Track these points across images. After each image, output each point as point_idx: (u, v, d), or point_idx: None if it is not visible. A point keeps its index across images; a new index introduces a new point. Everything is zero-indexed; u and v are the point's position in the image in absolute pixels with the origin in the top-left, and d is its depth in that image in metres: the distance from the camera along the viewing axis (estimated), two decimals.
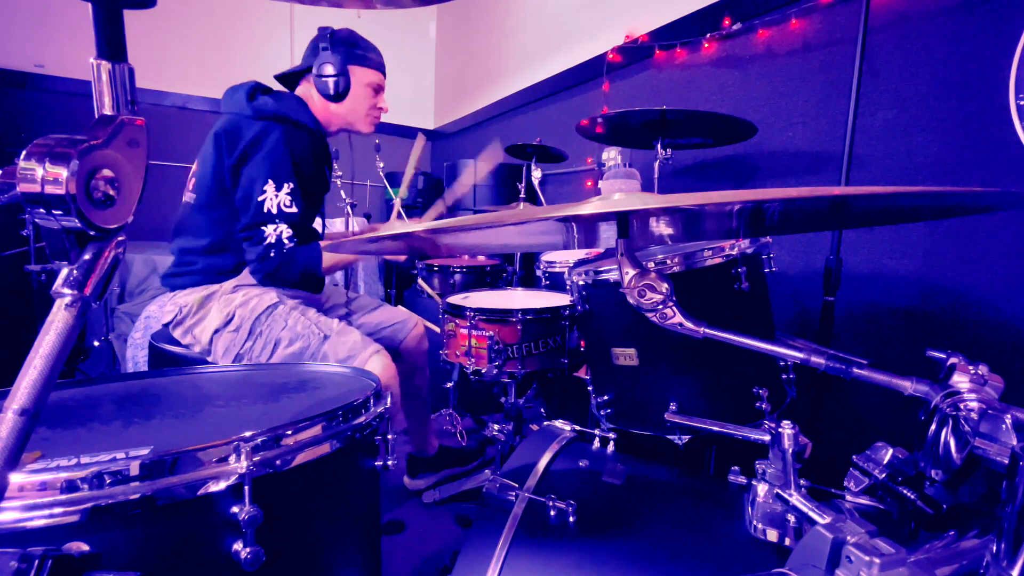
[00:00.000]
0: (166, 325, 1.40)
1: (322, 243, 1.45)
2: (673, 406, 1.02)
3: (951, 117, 1.43)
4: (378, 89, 1.58)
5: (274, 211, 1.37)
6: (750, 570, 0.59)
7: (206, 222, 1.42)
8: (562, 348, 1.51)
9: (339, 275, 2.93)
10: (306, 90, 1.54)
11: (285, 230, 1.38)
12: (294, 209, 1.39)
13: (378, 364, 1.33)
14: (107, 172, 0.41)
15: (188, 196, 1.46)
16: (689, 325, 0.66)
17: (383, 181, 3.09)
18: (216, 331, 1.34)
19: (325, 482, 0.72)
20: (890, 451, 0.58)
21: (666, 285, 0.65)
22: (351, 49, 1.51)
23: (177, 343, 1.39)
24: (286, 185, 1.38)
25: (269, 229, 1.37)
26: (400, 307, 1.80)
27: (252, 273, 1.41)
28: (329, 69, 1.49)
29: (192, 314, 1.37)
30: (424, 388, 1.74)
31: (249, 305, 1.36)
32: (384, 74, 1.59)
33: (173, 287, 1.43)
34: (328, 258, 1.44)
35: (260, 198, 1.36)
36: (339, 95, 1.51)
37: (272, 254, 1.38)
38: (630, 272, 0.66)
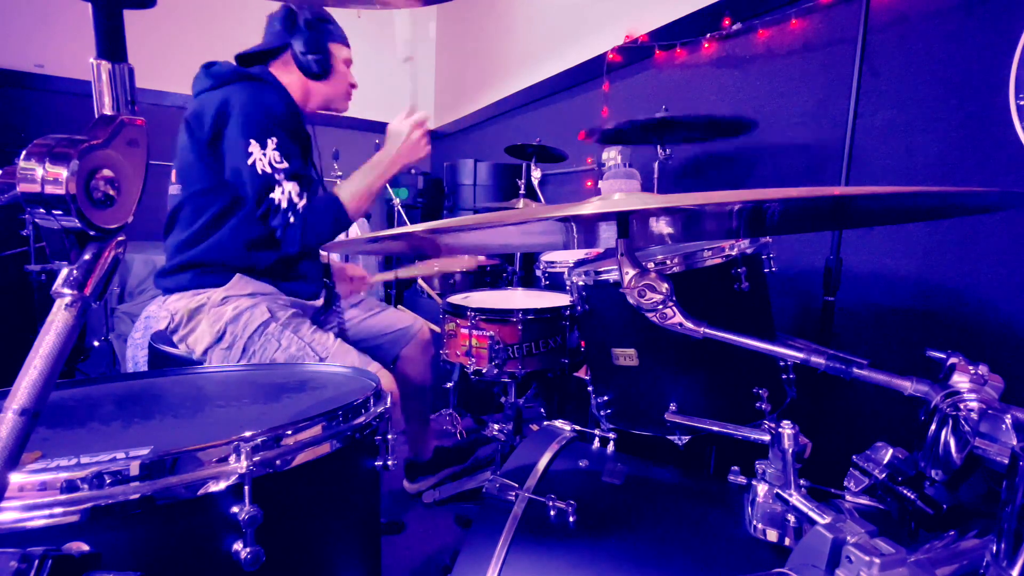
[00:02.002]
0: (162, 331, 1.39)
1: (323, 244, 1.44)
2: (673, 406, 1.02)
3: (951, 117, 1.43)
4: (349, 64, 1.56)
5: (268, 171, 1.30)
6: (750, 570, 0.59)
7: (192, 210, 1.39)
8: (562, 348, 1.51)
9: None
10: (279, 69, 1.48)
11: (292, 188, 1.32)
12: (286, 164, 1.31)
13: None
14: (107, 172, 0.41)
15: (173, 189, 1.44)
16: (689, 325, 0.66)
17: None
18: (209, 347, 1.32)
19: (325, 482, 0.72)
20: (890, 451, 0.58)
21: (666, 285, 0.65)
22: (327, 25, 1.48)
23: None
24: (270, 141, 1.30)
25: (276, 193, 1.31)
26: (404, 310, 1.79)
27: (287, 248, 1.36)
28: (311, 47, 1.45)
29: (183, 324, 1.34)
30: (425, 393, 1.72)
31: (240, 321, 1.32)
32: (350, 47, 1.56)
33: (165, 289, 1.40)
34: (355, 196, 1.39)
35: (249, 162, 1.29)
36: (324, 73, 1.48)
37: (292, 219, 1.31)
38: (630, 272, 0.66)
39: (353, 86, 1.59)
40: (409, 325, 1.67)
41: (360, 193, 1.42)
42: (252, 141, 1.29)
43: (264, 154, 1.30)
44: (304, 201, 1.33)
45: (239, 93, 1.32)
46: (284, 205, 1.31)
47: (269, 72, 1.46)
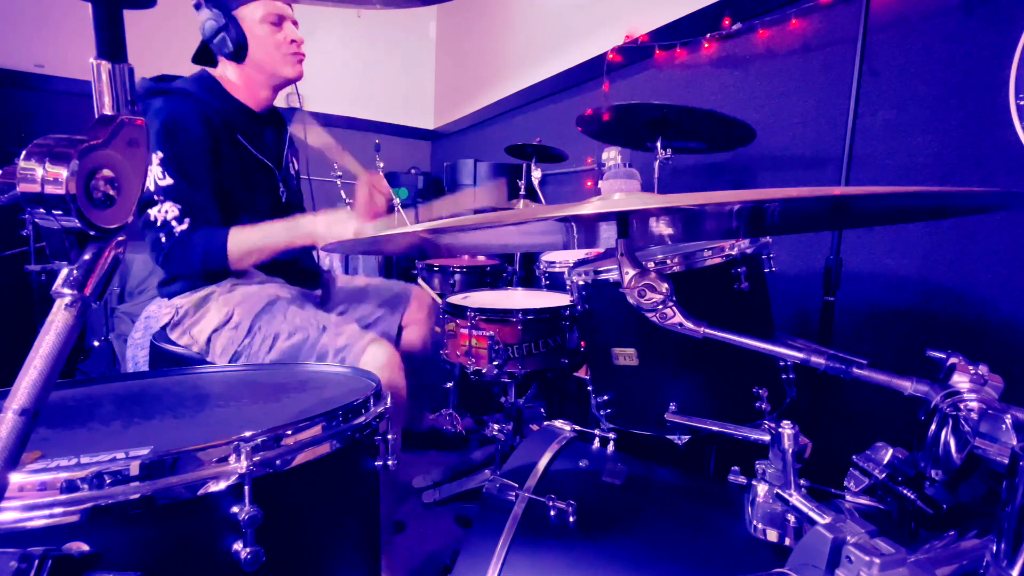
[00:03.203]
0: (163, 327, 1.40)
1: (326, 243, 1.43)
2: (673, 406, 1.02)
3: (951, 117, 1.43)
4: (279, 20, 1.36)
5: (151, 187, 1.23)
6: (750, 570, 0.59)
7: None
8: (562, 348, 1.51)
9: (338, 270, 2.92)
10: (223, 66, 1.40)
11: (170, 209, 1.24)
12: (168, 180, 1.23)
13: (377, 353, 1.28)
14: (107, 172, 0.41)
15: None
16: (689, 325, 0.66)
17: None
18: (215, 330, 1.33)
19: (325, 482, 0.72)
20: (890, 451, 0.58)
21: (666, 285, 0.65)
22: None
23: (176, 343, 1.39)
24: (155, 155, 1.22)
25: (153, 211, 1.24)
26: (395, 281, 1.77)
27: (155, 262, 1.30)
28: (214, 25, 1.30)
29: (190, 315, 1.35)
30: (423, 363, 1.70)
31: (248, 303, 1.34)
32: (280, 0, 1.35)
33: (170, 295, 1.39)
34: (245, 243, 1.29)
35: (149, 175, 1.21)
36: (241, 47, 1.33)
37: (163, 238, 1.24)
38: (630, 272, 0.66)
39: (295, 43, 1.39)
40: (403, 289, 1.67)
41: (251, 250, 1.31)
42: (152, 155, 1.24)
43: (152, 168, 1.23)
44: (185, 227, 1.25)
45: (153, 106, 1.28)
46: (159, 223, 1.25)
47: (206, 74, 1.38)
